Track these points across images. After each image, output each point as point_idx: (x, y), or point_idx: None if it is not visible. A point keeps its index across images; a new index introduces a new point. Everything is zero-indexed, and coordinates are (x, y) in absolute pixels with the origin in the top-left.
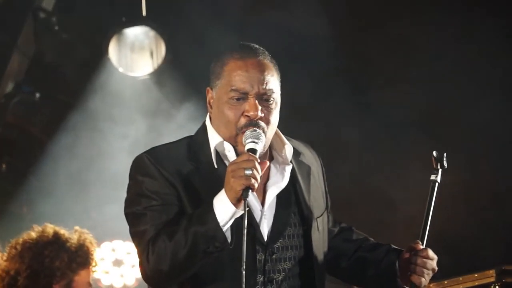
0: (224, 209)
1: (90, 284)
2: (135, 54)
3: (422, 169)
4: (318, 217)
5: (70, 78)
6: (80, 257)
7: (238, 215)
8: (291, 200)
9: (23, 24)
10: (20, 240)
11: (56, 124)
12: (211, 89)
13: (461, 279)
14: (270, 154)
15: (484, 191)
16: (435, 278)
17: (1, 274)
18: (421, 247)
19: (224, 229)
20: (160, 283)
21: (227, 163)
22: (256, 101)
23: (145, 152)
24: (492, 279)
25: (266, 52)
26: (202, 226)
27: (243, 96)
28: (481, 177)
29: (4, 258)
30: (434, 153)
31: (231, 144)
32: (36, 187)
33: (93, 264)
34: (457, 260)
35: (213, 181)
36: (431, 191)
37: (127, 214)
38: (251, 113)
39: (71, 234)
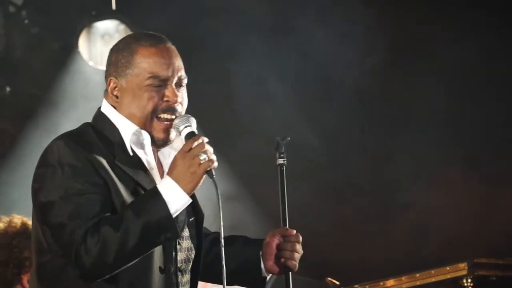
0: (177, 199)
1: None
2: (105, 47)
3: None
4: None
5: (40, 72)
6: None
7: (187, 204)
8: None
9: None
10: None
11: (26, 118)
12: (116, 78)
13: (433, 272)
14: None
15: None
16: (406, 271)
17: None
18: (293, 232)
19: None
20: (101, 275)
21: (140, 151)
22: (174, 87)
23: (58, 139)
24: (464, 272)
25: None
26: (153, 216)
27: (162, 83)
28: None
29: None
30: (278, 138)
31: (145, 130)
32: (5, 181)
33: None
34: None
35: (132, 169)
36: (282, 174)
37: (47, 203)
38: (171, 99)
39: None
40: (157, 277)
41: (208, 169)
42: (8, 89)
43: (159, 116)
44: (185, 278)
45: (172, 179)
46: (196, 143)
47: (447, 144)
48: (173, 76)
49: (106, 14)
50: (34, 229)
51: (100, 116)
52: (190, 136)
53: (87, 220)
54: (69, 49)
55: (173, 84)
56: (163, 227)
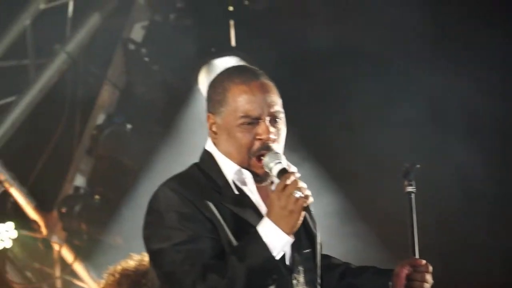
0: (278, 241)
1: None
2: None
3: None
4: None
5: (160, 108)
6: None
7: (290, 243)
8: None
9: (113, 56)
10: (119, 268)
11: (147, 155)
12: (213, 114)
13: None
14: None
15: None
16: None
17: None
18: (423, 262)
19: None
20: None
21: (245, 189)
22: (268, 124)
23: (164, 185)
24: None
25: (263, 72)
26: (256, 260)
27: (254, 121)
28: None
29: (101, 285)
30: (406, 164)
31: (244, 167)
32: (129, 218)
33: None
34: None
35: (239, 207)
36: (411, 203)
37: (158, 251)
38: (263, 136)
39: None
40: None
41: (305, 205)
42: (129, 126)
43: (256, 156)
44: None
45: (270, 221)
46: (289, 181)
47: None
48: (264, 113)
49: (226, 50)
50: (152, 273)
51: (205, 155)
52: (282, 173)
53: (195, 268)
54: (189, 86)
55: (267, 121)
56: (268, 270)
